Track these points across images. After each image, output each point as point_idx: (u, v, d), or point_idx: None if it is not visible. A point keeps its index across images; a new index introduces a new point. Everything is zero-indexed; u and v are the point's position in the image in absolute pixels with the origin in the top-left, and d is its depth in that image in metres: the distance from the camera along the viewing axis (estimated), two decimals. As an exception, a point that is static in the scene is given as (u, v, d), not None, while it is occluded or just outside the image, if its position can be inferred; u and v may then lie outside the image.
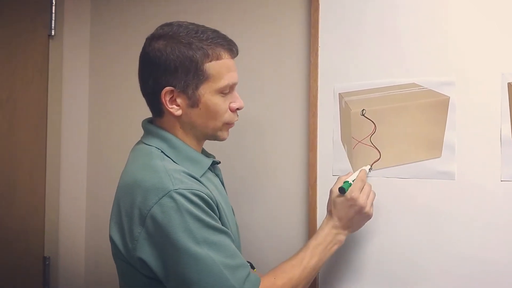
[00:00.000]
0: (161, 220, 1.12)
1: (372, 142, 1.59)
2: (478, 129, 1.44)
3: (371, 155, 1.58)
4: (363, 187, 1.42)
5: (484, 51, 1.44)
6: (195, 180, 1.23)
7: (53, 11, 2.20)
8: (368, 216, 1.43)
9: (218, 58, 1.26)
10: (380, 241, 1.57)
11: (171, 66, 1.24)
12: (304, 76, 1.73)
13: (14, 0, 2.15)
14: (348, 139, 1.63)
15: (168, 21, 2.05)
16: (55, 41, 2.21)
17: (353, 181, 1.45)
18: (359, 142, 1.61)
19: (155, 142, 1.31)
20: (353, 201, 1.39)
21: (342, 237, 1.41)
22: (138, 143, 1.38)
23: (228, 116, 1.32)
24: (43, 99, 2.19)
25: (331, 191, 1.45)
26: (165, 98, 1.26)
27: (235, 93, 1.34)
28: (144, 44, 1.32)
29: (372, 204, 1.43)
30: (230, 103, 1.32)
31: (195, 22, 1.31)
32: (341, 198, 1.40)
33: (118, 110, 2.22)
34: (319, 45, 1.68)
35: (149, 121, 1.40)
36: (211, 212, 1.19)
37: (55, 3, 2.20)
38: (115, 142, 2.23)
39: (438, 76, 1.50)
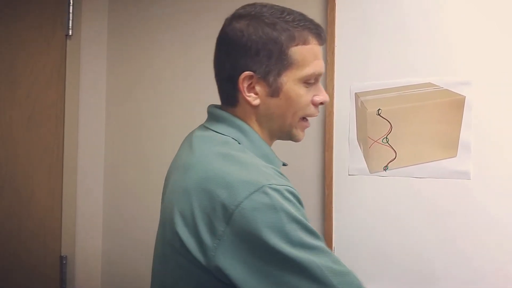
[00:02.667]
0: (252, 217, 0.94)
1: (388, 141, 1.59)
2: (494, 129, 1.45)
3: (387, 155, 1.59)
4: None
5: (501, 51, 1.44)
6: (285, 178, 1.08)
7: (71, 11, 2.22)
8: None
9: (305, 42, 1.12)
10: (395, 241, 1.57)
11: (252, 48, 1.09)
12: (320, 75, 1.73)
13: (32, 0, 2.17)
14: (364, 138, 1.63)
15: (190, 19, 2.09)
16: (72, 41, 2.22)
17: None
18: (375, 141, 1.61)
19: (230, 132, 1.13)
20: None
21: None
22: (204, 129, 1.18)
23: (308, 109, 1.16)
24: (61, 98, 2.21)
25: None
26: (243, 85, 1.10)
27: (320, 85, 1.18)
28: (223, 24, 1.16)
29: None
30: (313, 95, 1.16)
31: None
32: None
33: (136, 108, 2.24)
34: (336, 44, 1.68)
35: (215, 106, 1.22)
36: (304, 212, 1.02)
37: (73, 3, 2.22)
38: (132, 141, 2.24)
39: (454, 76, 1.50)
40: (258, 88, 1.11)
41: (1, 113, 2.13)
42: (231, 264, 0.95)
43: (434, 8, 1.53)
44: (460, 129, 1.48)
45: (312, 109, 1.17)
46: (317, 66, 1.13)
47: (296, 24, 1.11)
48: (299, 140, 1.22)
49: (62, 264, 2.21)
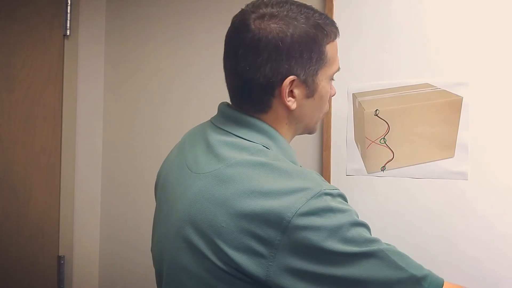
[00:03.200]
0: (311, 224, 0.89)
1: (386, 142, 1.59)
2: (491, 130, 1.45)
3: (385, 155, 1.59)
4: None
5: (498, 52, 1.44)
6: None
7: (68, 11, 2.21)
8: None
9: (333, 39, 1.08)
10: (393, 241, 1.57)
11: (295, 50, 1.01)
12: (317, 76, 1.73)
13: (30, 0, 2.17)
14: (361, 139, 1.63)
15: (187, 19, 2.09)
16: (70, 41, 2.22)
17: None
18: (373, 142, 1.61)
19: (258, 139, 1.05)
20: None
21: None
22: (223, 133, 1.08)
23: (327, 106, 1.15)
24: (59, 98, 2.21)
25: None
26: (286, 90, 1.02)
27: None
28: (244, 25, 1.04)
29: None
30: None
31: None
32: None
33: (133, 109, 2.24)
34: (333, 45, 1.68)
35: (231, 107, 1.12)
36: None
37: (70, 3, 2.22)
38: (129, 141, 2.24)
39: (451, 77, 1.50)
40: (296, 91, 1.05)
41: (-2, 113, 2.13)
42: (289, 278, 0.90)
43: (432, 10, 1.54)
44: (457, 130, 1.49)
45: (327, 104, 1.16)
46: (338, 61, 1.12)
47: (324, 21, 1.05)
48: (315, 132, 1.20)
49: (60, 264, 2.21)
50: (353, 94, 1.65)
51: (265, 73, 1.01)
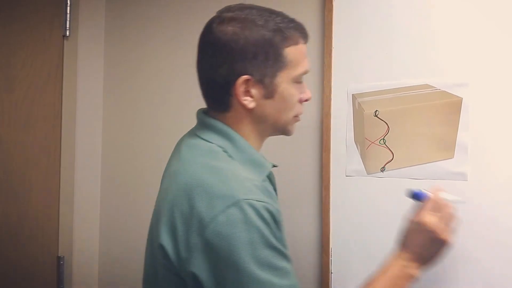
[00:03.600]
0: (224, 232, 0.96)
1: (385, 143, 1.59)
2: (491, 130, 1.44)
3: (384, 156, 1.59)
4: (435, 208, 1.21)
5: (498, 53, 1.44)
6: (265, 192, 1.09)
7: (68, 12, 2.22)
8: (447, 243, 1.20)
9: (296, 42, 1.13)
10: (393, 242, 1.57)
11: (249, 52, 1.08)
12: (317, 77, 1.73)
13: (30, 1, 2.17)
14: (361, 140, 1.63)
15: (186, 19, 2.09)
16: (69, 41, 2.23)
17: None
18: (372, 143, 1.61)
19: (216, 139, 1.14)
20: (422, 225, 1.18)
21: (412, 271, 1.19)
22: (192, 136, 1.19)
23: (297, 108, 1.19)
24: (58, 98, 2.22)
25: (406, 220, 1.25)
26: (240, 89, 1.10)
27: (304, 83, 1.20)
28: (209, 28, 1.15)
29: (450, 229, 1.21)
30: (300, 93, 1.18)
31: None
32: (408, 223, 1.22)
33: (133, 109, 2.24)
34: (333, 46, 1.68)
35: (204, 111, 1.22)
36: (279, 233, 1.03)
37: (70, 4, 2.22)
38: (129, 142, 2.24)
39: (451, 78, 1.50)
40: (254, 91, 1.11)
41: (-2, 114, 2.12)
42: (201, 272, 0.99)
43: (431, 10, 1.53)
44: (457, 131, 1.48)
45: (300, 107, 1.21)
46: (306, 65, 1.17)
47: (285, 25, 1.12)
48: (292, 134, 1.24)
49: (59, 264, 2.21)
50: (352, 95, 1.65)
51: (222, 72, 1.11)
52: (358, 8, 1.65)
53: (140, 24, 2.22)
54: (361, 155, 1.64)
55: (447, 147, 1.50)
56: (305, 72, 1.17)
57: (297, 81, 1.16)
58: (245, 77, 1.09)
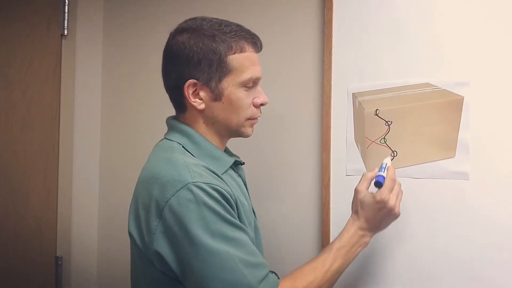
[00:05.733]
0: (177, 212, 1.10)
1: (386, 142, 1.58)
2: (492, 129, 1.44)
3: (385, 155, 1.58)
4: (393, 187, 1.35)
5: (499, 51, 1.43)
6: (214, 175, 1.21)
7: (66, 11, 2.21)
8: (396, 216, 1.36)
9: (241, 50, 1.25)
10: (393, 241, 1.57)
11: (194, 58, 1.23)
12: (317, 76, 1.73)
13: (28, 0, 2.16)
14: (361, 139, 1.63)
15: (181, 19, 2.08)
16: (67, 41, 2.22)
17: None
18: (373, 142, 1.60)
19: (176, 137, 1.29)
20: (383, 204, 1.31)
21: (367, 239, 1.34)
22: (162, 139, 1.36)
23: (250, 111, 1.30)
24: (56, 98, 2.21)
25: (356, 190, 1.38)
26: (188, 91, 1.25)
27: (259, 88, 1.32)
28: (168, 38, 1.30)
29: (399, 203, 1.36)
30: (254, 98, 1.30)
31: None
32: (370, 199, 1.33)
33: (131, 109, 2.24)
34: (333, 44, 1.68)
35: (173, 117, 1.37)
36: (230, 208, 1.16)
37: (68, 3, 2.21)
38: (127, 141, 2.24)
39: (452, 76, 1.50)
40: (202, 94, 1.25)
41: (-5, 113, 2.12)
42: (160, 254, 1.13)
43: (432, 9, 1.53)
44: (458, 130, 1.48)
45: (254, 110, 1.31)
46: (254, 71, 1.27)
47: (233, 35, 1.24)
48: (248, 136, 1.35)
49: (58, 264, 2.21)
50: (353, 94, 1.64)
51: (172, 78, 1.28)
52: (358, 6, 1.65)
53: (138, 24, 2.22)
54: (361, 154, 1.63)
55: (448, 146, 1.49)
56: (253, 78, 1.27)
57: (246, 85, 1.27)
58: (191, 81, 1.23)
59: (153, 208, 1.14)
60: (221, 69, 1.23)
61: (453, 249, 1.48)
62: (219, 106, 1.26)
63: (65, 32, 2.21)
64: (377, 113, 1.60)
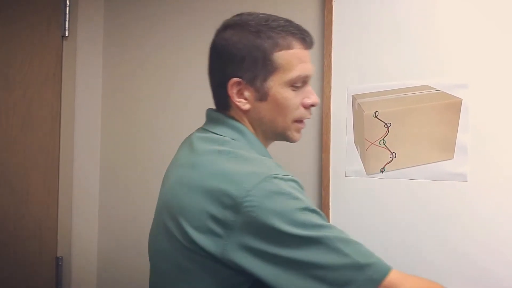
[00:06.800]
0: (262, 204, 0.97)
1: (385, 143, 1.59)
2: (490, 131, 1.45)
3: (384, 157, 1.59)
4: None
5: (497, 54, 1.45)
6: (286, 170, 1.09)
7: (67, 12, 2.22)
8: None
9: (288, 47, 1.15)
10: (392, 242, 1.58)
11: (237, 56, 1.14)
12: (317, 77, 1.73)
13: (29, 1, 2.17)
14: (361, 140, 1.64)
15: (185, 20, 2.10)
16: (68, 42, 2.23)
17: None
18: (372, 143, 1.61)
19: (227, 133, 1.17)
20: None
21: None
22: (203, 131, 1.21)
23: (299, 112, 1.19)
24: (57, 98, 2.22)
25: None
26: (232, 91, 1.15)
27: (309, 87, 1.21)
28: (214, 34, 1.23)
29: None
30: (303, 98, 1.18)
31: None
32: None
33: (131, 109, 2.24)
34: (333, 47, 1.69)
35: (216, 110, 1.25)
36: (309, 200, 1.05)
37: (69, 4, 2.22)
38: (128, 142, 2.25)
39: (451, 79, 1.51)
40: (247, 94, 1.15)
41: (-4, 114, 2.13)
42: (243, 256, 0.98)
43: (431, 11, 1.54)
44: (457, 132, 1.49)
45: (302, 111, 1.20)
46: (302, 69, 1.16)
47: (280, 30, 1.15)
48: (295, 141, 1.25)
49: (58, 265, 2.22)
50: (352, 95, 1.65)
51: (217, 75, 1.19)
52: (358, 9, 1.66)
53: (138, 25, 2.22)
54: (360, 155, 1.64)
55: (447, 148, 1.50)
56: (301, 77, 1.17)
57: (294, 85, 1.16)
58: (234, 79, 1.14)
59: (227, 203, 0.99)
60: (266, 67, 1.14)
61: (452, 248, 1.49)
62: (265, 107, 1.16)
63: (66, 33, 2.21)
64: (376, 115, 1.61)
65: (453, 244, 1.49)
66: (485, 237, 1.45)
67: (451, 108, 1.50)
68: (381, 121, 1.60)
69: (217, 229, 1.00)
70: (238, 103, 1.16)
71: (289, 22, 1.18)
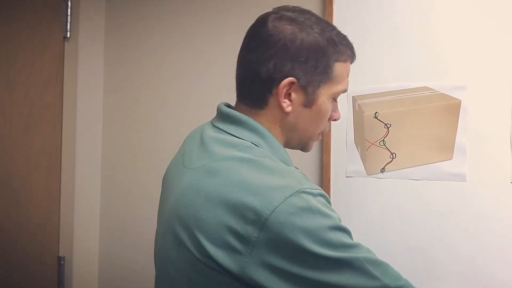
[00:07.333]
0: (289, 222, 0.89)
1: (385, 144, 1.61)
2: (488, 132, 1.47)
3: (384, 157, 1.61)
4: None
5: (495, 56, 1.46)
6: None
7: (68, 13, 2.23)
8: None
9: (345, 60, 1.12)
10: (392, 241, 1.59)
11: (302, 54, 1.05)
12: (317, 79, 1.75)
13: (30, 2, 2.18)
14: (361, 141, 1.65)
15: (186, 21, 2.11)
16: (70, 43, 2.24)
17: None
18: (372, 144, 1.63)
19: (248, 136, 1.07)
20: None
21: None
22: (216, 131, 1.11)
23: (325, 125, 1.17)
24: (59, 100, 2.22)
25: None
26: (283, 90, 1.05)
27: (336, 102, 1.18)
28: (263, 21, 1.10)
29: None
30: (332, 111, 1.15)
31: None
32: None
33: (133, 110, 2.25)
34: (333, 49, 1.70)
35: (235, 108, 1.15)
36: (338, 216, 0.99)
37: (71, 6, 2.23)
38: (129, 142, 2.25)
39: (450, 80, 1.52)
40: (294, 96, 1.07)
41: (-2, 115, 2.13)
42: (264, 275, 0.91)
43: (431, 14, 1.56)
44: (456, 132, 1.51)
45: (327, 124, 1.17)
46: (347, 84, 1.15)
47: (340, 39, 1.10)
48: (309, 150, 1.22)
49: (60, 265, 2.22)
50: (353, 97, 1.67)
51: (268, 68, 1.05)
52: (358, 11, 1.67)
53: (140, 26, 2.23)
54: (361, 156, 1.66)
55: (446, 148, 1.52)
56: (344, 91, 1.15)
57: (335, 97, 1.14)
58: (291, 79, 1.05)
59: (250, 218, 0.91)
60: (325, 74, 1.08)
61: (449, 248, 1.51)
62: (306, 114, 1.10)
63: (68, 35, 2.22)
64: (376, 116, 1.62)
65: (451, 243, 1.51)
66: (483, 236, 1.47)
67: (450, 109, 1.52)
68: (381, 122, 1.61)
69: (238, 245, 0.92)
70: (283, 104, 1.07)
71: (341, 32, 1.14)
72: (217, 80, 1.99)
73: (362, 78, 1.66)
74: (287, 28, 1.05)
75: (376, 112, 1.62)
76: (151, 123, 2.19)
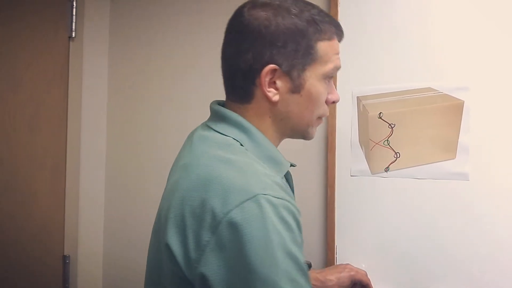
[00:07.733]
0: (238, 228, 0.85)
1: (389, 144, 1.63)
2: (491, 132, 1.48)
3: (388, 157, 1.63)
4: None
5: (498, 58, 1.48)
6: (285, 191, 0.98)
7: (74, 13, 2.23)
8: None
9: (329, 38, 1.05)
10: (396, 240, 1.61)
11: (280, 39, 1.00)
12: (322, 79, 1.76)
13: (35, 2, 2.18)
14: (365, 141, 1.67)
15: (190, 21, 2.12)
16: (75, 43, 2.24)
17: None
18: (376, 144, 1.65)
19: (232, 132, 1.05)
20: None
21: None
22: (205, 128, 1.10)
23: (323, 109, 1.11)
24: (64, 99, 2.23)
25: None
26: (265, 79, 1.01)
27: (333, 83, 1.12)
28: (238, 12, 1.06)
29: None
30: (328, 94, 1.10)
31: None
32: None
33: (138, 110, 2.26)
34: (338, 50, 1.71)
35: (219, 103, 1.13)
36: (299, 238, 0.92)
37: (76, 5, 2.23)
38: (133, 142, 2.26)
39: (453, 81, 1.54)
40: (279, 83, 1.03)
41: (4, 114, 2.13)
42: (212, 273, 0.88)
43: (435, 14, 1.57)
44: (458, 132, 1.52)
45: (326, 108, 1.12)
46: (337, 60, 1.08)
47: (321, 18, 1.04)
48: (312, 138, 1.16)
49: (65, 263, 2.23)
50: (357, 97, 1.69)
51: (247, 58, 1.02)
52: (363, 12, 1.69)
53: (144, 25, 2.24)
54: (365, 155, 1.67)
55: (449, 148, 1.54)
56: (336, 68, 1.09)
57: (328, 77, 1.08)
58: (272, 66, 1.01)
59: (207, 218, 0.89)
60: (307, 55, 1.03)
61: (452, 249, 1.53)
62: (296, 100, 1.05)
63: (73, 34, 2.23)
64: (380, 116, 1.64)
65: (454, 242, 1.52)
66: (486, 236, 1.48)
67: (453, 109, 1.53)
68: (386, 122, 1.63)
69: (192, 247, 0.90)
70: (268, 93, 1.03)
71: (322, 10, 1.08)
72: (222, 80, 1.99)
73: (367, 79, 1.68)
74: (261, 15, 1.01)
75: (381, 113, 1.64)
76: (155, 122, 2.20)
